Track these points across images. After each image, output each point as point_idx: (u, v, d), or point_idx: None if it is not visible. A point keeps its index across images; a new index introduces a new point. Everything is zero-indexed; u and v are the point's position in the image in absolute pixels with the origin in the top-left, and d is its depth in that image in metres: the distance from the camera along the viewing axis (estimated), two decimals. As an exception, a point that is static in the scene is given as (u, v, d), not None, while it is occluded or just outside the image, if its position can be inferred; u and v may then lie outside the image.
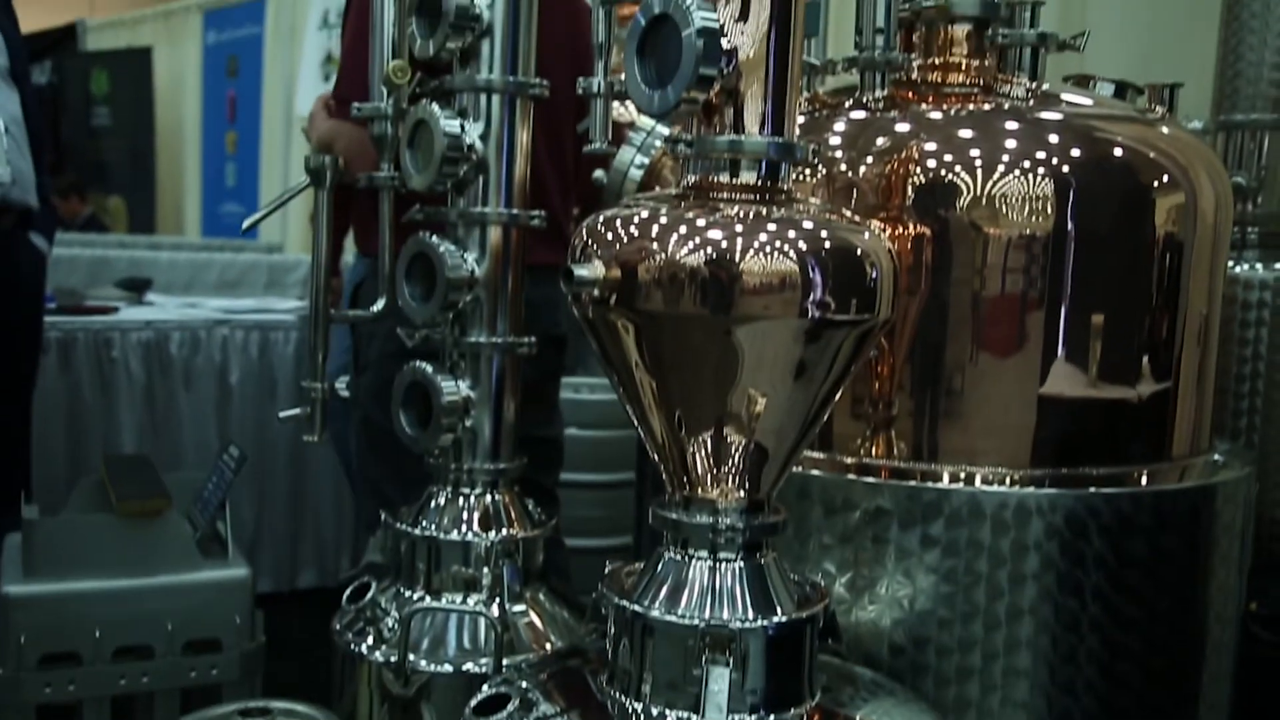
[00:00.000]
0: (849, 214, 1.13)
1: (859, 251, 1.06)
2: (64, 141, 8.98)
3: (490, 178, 1.51)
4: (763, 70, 1.06)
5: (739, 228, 1.02)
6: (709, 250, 1.02)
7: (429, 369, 1.53)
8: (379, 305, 1.67)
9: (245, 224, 1.69)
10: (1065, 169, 1.44)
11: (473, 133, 1.48)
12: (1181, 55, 3.30)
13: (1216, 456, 1.69)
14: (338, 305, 2.38)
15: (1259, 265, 2.42)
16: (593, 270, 1.05)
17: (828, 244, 1.04)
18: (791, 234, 1.03)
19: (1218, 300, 1.64)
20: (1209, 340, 1.63)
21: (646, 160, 1.56)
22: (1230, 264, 2.39)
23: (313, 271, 1.66)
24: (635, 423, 1.19)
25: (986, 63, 1.64)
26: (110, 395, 3.31)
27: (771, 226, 1.03)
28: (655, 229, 1.05)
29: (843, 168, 1.50)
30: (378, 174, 1.64)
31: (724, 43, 1.04)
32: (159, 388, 3.39)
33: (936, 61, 1.65)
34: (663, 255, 1.03)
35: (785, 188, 1.10)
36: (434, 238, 1.50)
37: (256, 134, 7.76)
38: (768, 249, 1.02)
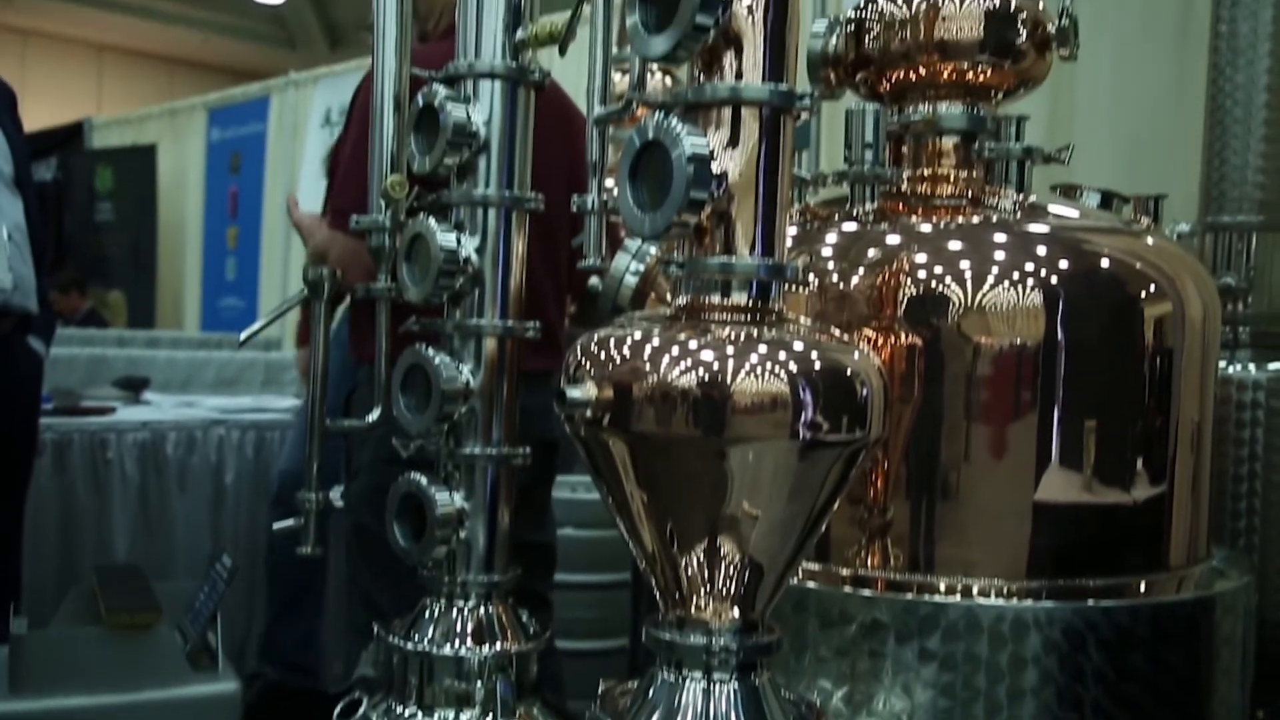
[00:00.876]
0: (838, 333, 1.15)
1: (849, 371, 1.07)
2: (67, 236, 9.07)
3: (486, 290, 1.52)
4: (753, 193, 1.08)
5: (730, 350, 1.03)
6: (701, 372, 1.02)
7: (423, 481, 1.53)
8: (374, 415, 1.67)
9: (243, 336, 1.70)
10: (1054, 280, 1.46)
11: (469, 246, 1.50)
12: (1168, 160, 3.37)
13: (1215, 564, 1.68)
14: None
15: (1252, 366, 2.43)
16: (585, 392, 1.06)
17: (818, 365, 1.05)
18: (782, 355, 1.04)
19: (1209, 406, 1.64)
20: (1202, 446, 1.63)
21: (641, 267, 1.58)
22: (1223, 364, 2.40)
23: (310, 383, 1.67)
24: (627, 537, 1.18)
25: (975, 174, 1.67)
26: (104, 497, 3.30)
27: (762, 348, 1.04)
28: (648, 350, 1.06)
29: (835, 279, 1.52)
30: (375, 285, 1.66)
31: (714, 167, 1.06)
32: (154, 489, 3.38)
33: (925, 173, 1.68)
34: (655, 377, 1.03)
35: (776, 307, 1.11)
36: (429, 349, 1.51)
37: (257, 229, 7.85)
38: (759, 371, 1.03)
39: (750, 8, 1.06)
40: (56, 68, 14.49)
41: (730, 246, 1.08)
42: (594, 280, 1.57)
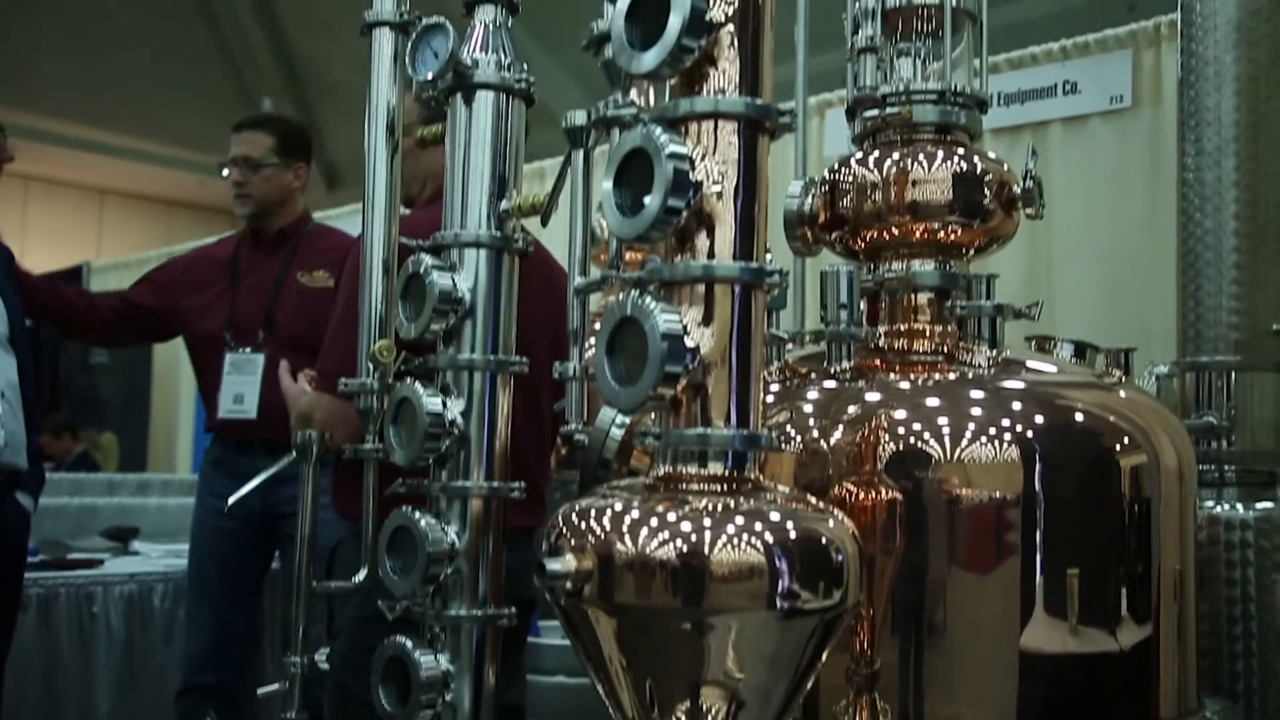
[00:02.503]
0: (814, 500, 1.16)
1: (824, 540, 1.08)
2: (61, 379, 9.12)
3: (472, 452, 1.54)
4: (726, 366, 1.11)
5: (707, 521, 1.05)
6: (679, 544, 1.04)
7: (408, 644, 1.53)
8: (360, 576, 1.68)
9: (230, 501, 1.72)
10: (1030, 435, 1.49)
11: (454, 409, 1.53)
12: (1147, 295, 3.45)
13: (1208, 715, 1.66)
14: None
15: (1240, 505, 2.44)
16: (565, 564, 1.07)
17: (794, 534, 1.07)
18: (758, 525, 1.06)
19: (1190, 554, 1.65)
20: (1186, 594, 1.63)
21: (626, 420, 1.61)
22: (1211, 504, 2.42)
23: (299, 546, 1.68)
24: (605, 699, 1.18)
25: (950, 329, 1.71)
26: (89, 651, 3.26)
27: (739, 519, 1.06)
28: (626, 522, 1.08)
29: (816, 435, 1.55)
30: (362, 446, 1.68)
31: (688, 341, 1.09)
32: (139, 641, 3.34)
33: (902, 328, 1.72)
34: (634, 549, 1.05)
35: (752, 476, 1.13)
36: (415, 512, 1.53)
37: (252, 369, 7.87)
38: (736, 542, 1.04)
39: (720, 191, 1.11)
40: (58, 211, 14.75)
41: (706, 418, 1.11)
42: (579, 435, 1.59)
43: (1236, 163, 2.55)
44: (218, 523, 3.35)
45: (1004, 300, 1.70)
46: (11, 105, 7.60)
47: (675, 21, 1.08)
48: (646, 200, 1.09)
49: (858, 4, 1.67)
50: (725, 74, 1.12)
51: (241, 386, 3.42)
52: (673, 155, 1.08)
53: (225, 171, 3.69)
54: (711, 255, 1.12)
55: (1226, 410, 2.56)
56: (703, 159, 1.11)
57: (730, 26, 1.12)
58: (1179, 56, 2.67)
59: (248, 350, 3.46)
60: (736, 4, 1.12)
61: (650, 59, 1.10)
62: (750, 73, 1.13)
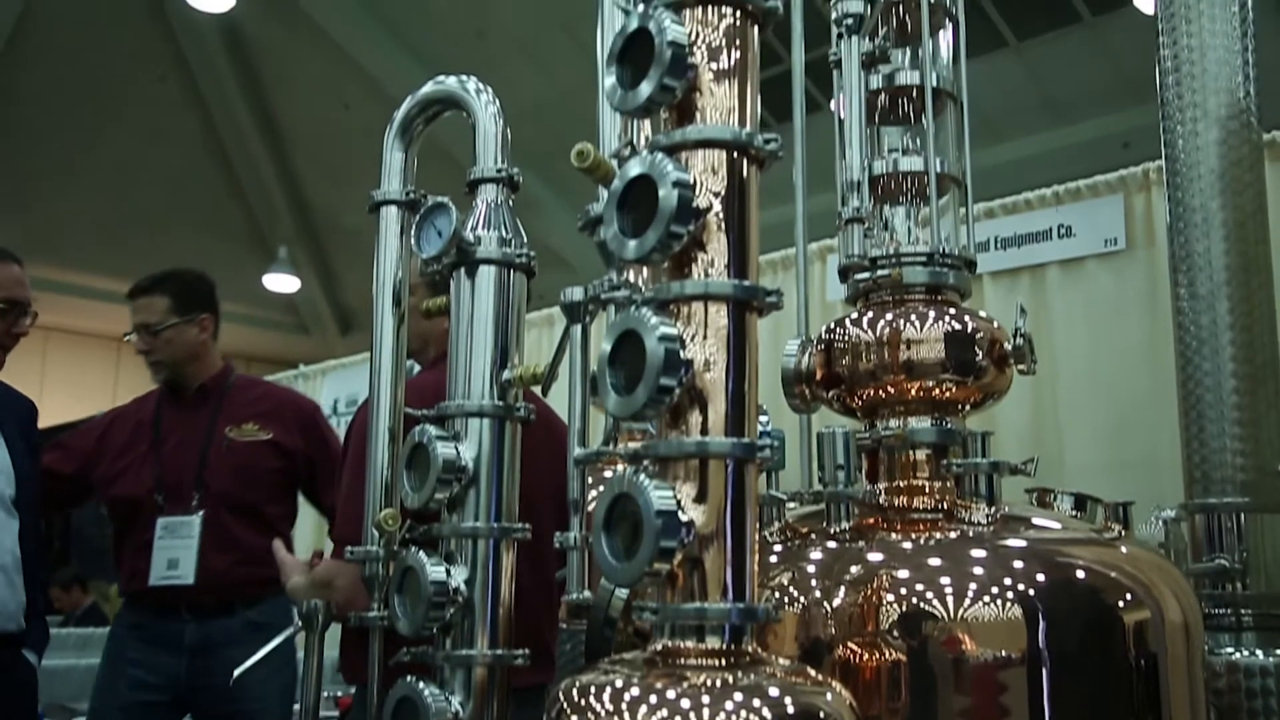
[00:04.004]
0: (813, 673, 1.17)
1: (822, 715, 1.08)
2: (73, 530, 9.12)
3: (476, 619, 1.55)
4: (721, 540, 1.13)
5: (705, 698, 1.05)
6: (678, 722, 1.04)
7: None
8: (366, 745, 1.66)
9: (235, 673, 1.72)
10: (1032, 594, 1.49)
11: (459, 577, 1.54)
12: (1152, 435, 3.46)
13: None
14: None
15: (1259, 651, 2.40)
16: (566, 745, 1.07)
17: (792, 710, 1.07)
18: (756, 702, 1.06)
19: (1201, 710, 1.63)
20: (1200, 752, 1.61)
21: (631, 581, 1.61)
22: (1229, 651, 2.38)
23: (302, 715, 1.68)
24: None
25: (948, 485, 1.73)
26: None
27: (738, 695, 1.06)
28: (626, 699, 1.08)
29: (818, 595, 1.55)
30: (367, 614, 1.69)
31: (682, 516, 1.11)
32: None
33: (901, 485, 1.74)
34: (633, 728, 1.05)
35: (750, 649, 1.13)
36: (420, 682, 1.52)
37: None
38: (734, 718, 1.04)
39: (711, 369, 1.15)
40: (75, 361, 14.98)
41: (702, 592, 1.12)
42: (585, 593, 1.60)
43: (1230, 305, 2.59)
44: (132, 695, 3.23)
45: (1013, 436, 1.73)
46: (33, 258, 7.77)
47: (664, 210, 1.13)
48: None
49: (845, 175, 1.73)
50: (714, 257, 1.17)
51: (176, 551, 3.29)
52: (664, 337, 1.11)
53: (128, 339, 3.59)
54: (705, 431, 1.14)
55: (1238, 553, 2.55)
56: (693, 339, 1.15)
57: (717, 211, 1.17)
58: (1167, 204, 2.74)
59: (181, 514, 3.33)
60: (723, 191, 1.17)
61: (641, 246, 1.15)
62: (738, 255, 1.18)
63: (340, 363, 7.23)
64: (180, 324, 3.52)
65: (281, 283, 14.36)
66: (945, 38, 1.91)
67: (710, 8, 1.20)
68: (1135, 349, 3.66)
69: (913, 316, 1.72)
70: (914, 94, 1.83)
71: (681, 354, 1.13)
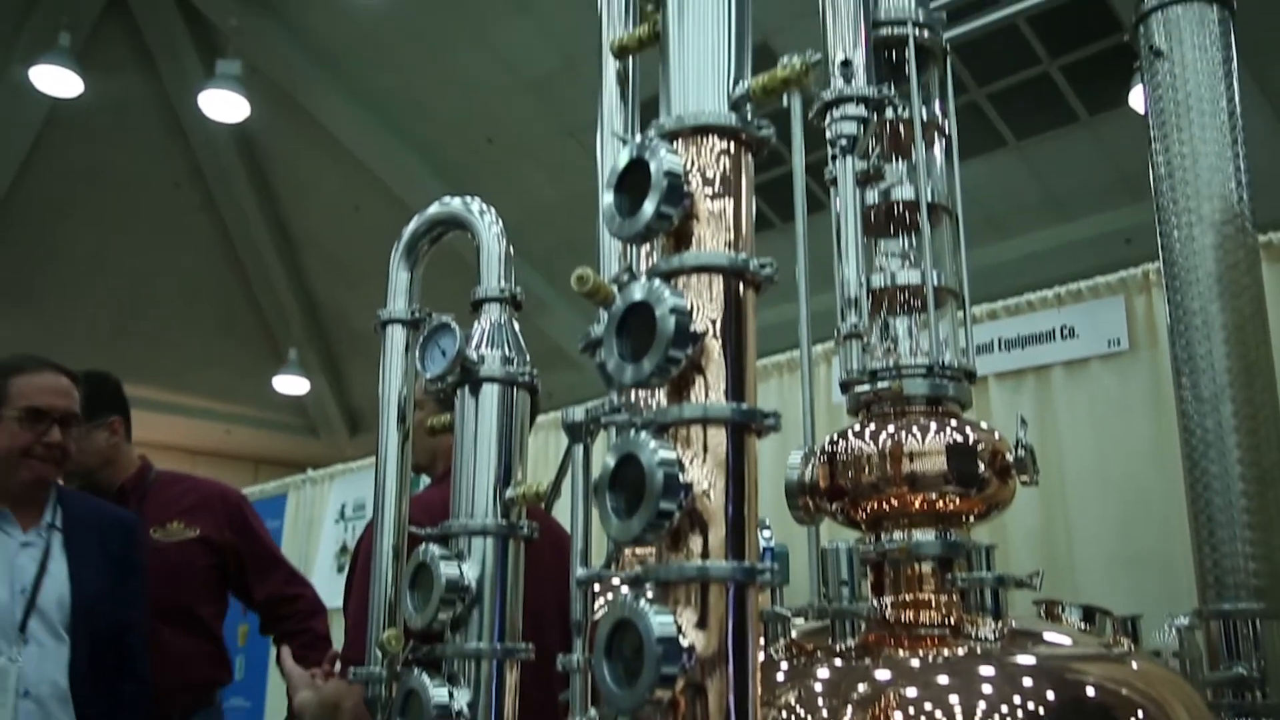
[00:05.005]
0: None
1: None
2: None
3: (479, 744, 1.53)
4: (723, 665, 1.12)
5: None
6: None
7: None
8: None
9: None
10: (1041, 712, 1.47)
11: (461, 699, 1.52)
12: (1163, 534, 3.44)
13: None
14: None
15: (1291, 767, 2.35)
16: None
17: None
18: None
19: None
20: None
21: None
22: (1257, 766, 2.33)
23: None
24: None
25: (954, 598, 1.71)
26: None
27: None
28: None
29: (825, 715, 1.53)
30: (370, 736, 1.67)
31: (683, 641, 1.10)
32: None
33: (907, 598, 1.72)
34: None
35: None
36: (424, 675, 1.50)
37: (270, 627, 7.80)
38: None
39: (709, 486, 1.15)
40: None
41: (705, 717, 1.11)
42: (591, 713, 1.58)
43: (1234, 409, 2.59)
44: None
45: (1022, 535, 1.72)
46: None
47: (661, 335, 1.15)
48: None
49: (842, 291, 1.75)
50: (712, 380, 1.18)
51: None
52: (663, 461, 1.12)
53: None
54: (705, 555, 1.14)
55: (1255, 660, 2.50)
56: (693, 462, 1.15)
57: (715, 335, 1.19)
58: (1167, 306, 2.76)
59: None
60: (720, 315, 1.19)
61: (639, 372, 1.16)
62: (736, 378, 1.19)
63: (347, 467, 7.23)
64: (87, 428, 3.37)
65: (291, 384, 14.45)
66: (939, 151, 1.95)
67: (705, 137, 1.23)
68: (1142, 448, 3.65)
69: (914, 429, 1.72)
70: (909, 208, 1.86)
71: (681, 478, 1.13)
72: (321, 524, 7.16)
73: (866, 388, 1.78)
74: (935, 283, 1.80)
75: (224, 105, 10.39)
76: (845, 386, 1.82)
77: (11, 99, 10.74)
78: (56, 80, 10.01)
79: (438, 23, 10.08)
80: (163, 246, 12.80)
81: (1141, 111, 2.85)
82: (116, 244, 12.41)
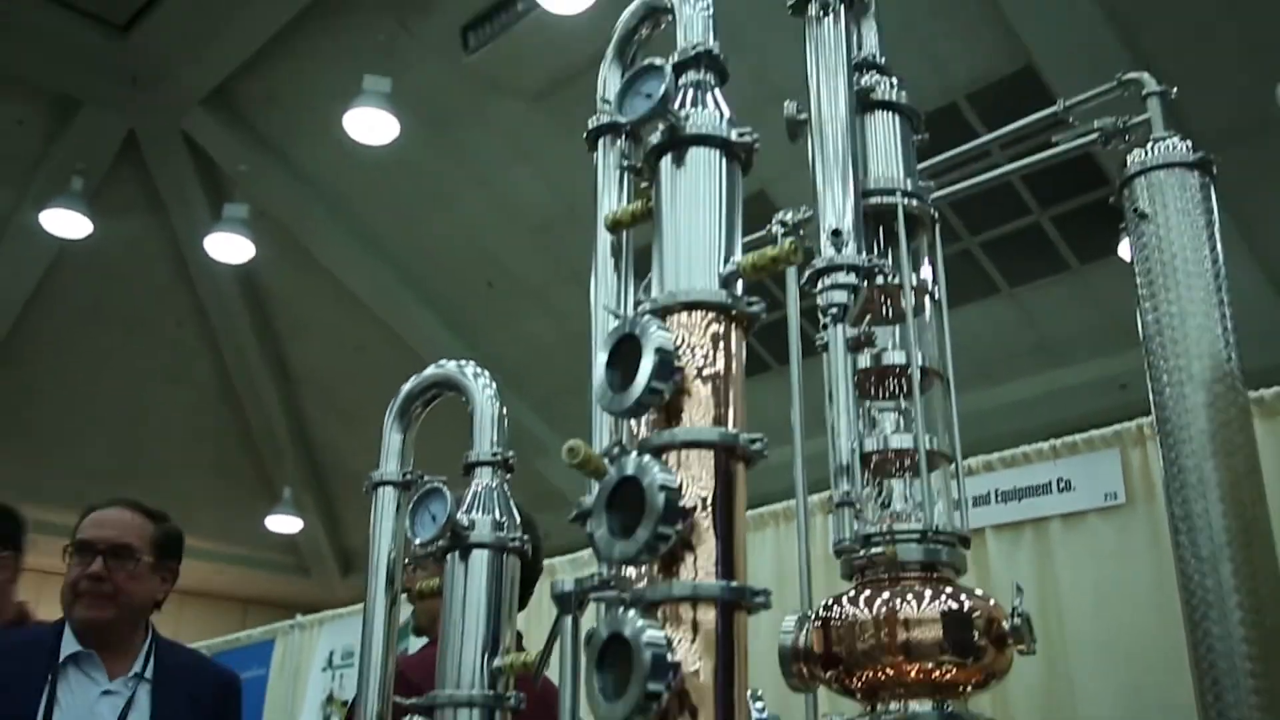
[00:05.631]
0: None
1: None
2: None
3: None
4: None
5: None
6: None
7: None
8: None
9: None
10: None
11: None
12: (1166, 689, 3.36)
13: None
14: None
15: None
16: None
17: None
18: None
19: None
20: None
21: None
22: None
23: None
24: None
25: (955, 773, 1.67)
26: None
27: None
28: None
29: None
30: None
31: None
32: None
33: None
34: None
35: None
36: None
37: (251, 768, 7.59)
38: None
39: (698, 665, 1.13)
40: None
41: None
42: None
43: (1234, 568, 2.56)
44: None
45: (1023, 689, 1.67)
46: (48, 500, 7.82)
47: (651, 512, 1.15)
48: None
49: (835, 458, 1.76)
50: (702, 557, 1.17)
51: None
52: (650, 642, 1.11)
53: None
54: (694, 736, 1.12)
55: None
56: (681, 641, 1.14)
57: (704, 512, 1.19)
58: (1162, 463, 2.76)
59: None
60: (710, 491, 1.19)
61: (628, 548, 1.16)
62: (725, 555, 1.18)
63: (336, 613, 7.11)
64: None
65: (284, 524, 14.32)
66: (929, 314, 1.98)
67: (696, 313, 1.26)
68: (1143, 601, 3.60)
69: (909, 596, 1.70)
70: (901, 372, 1.88)
71: (669, 658, 1.12)
72: (308, 671, 7.00)
73: (861, 553, 1.76)
74: (928, 447, 1.80)
75: (230, 247, 10.59)
76: (839, 552, 1.80)
77: (22, 240, 10.95)
78: (66, 222, 10.22)
79: (442, 169, 10.35)
80: (162, 385, 12.87)
81: (1129, 262, 2.91)
82: (116, 383, 12.47)
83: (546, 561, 5.20)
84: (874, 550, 1.76)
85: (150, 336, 12.57)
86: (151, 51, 9.91)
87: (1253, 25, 7.06)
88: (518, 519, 1.63)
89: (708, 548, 1.18)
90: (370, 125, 9.08)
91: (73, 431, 12.53)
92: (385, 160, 9.94)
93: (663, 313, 1.26)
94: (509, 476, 1.68)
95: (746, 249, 1.32)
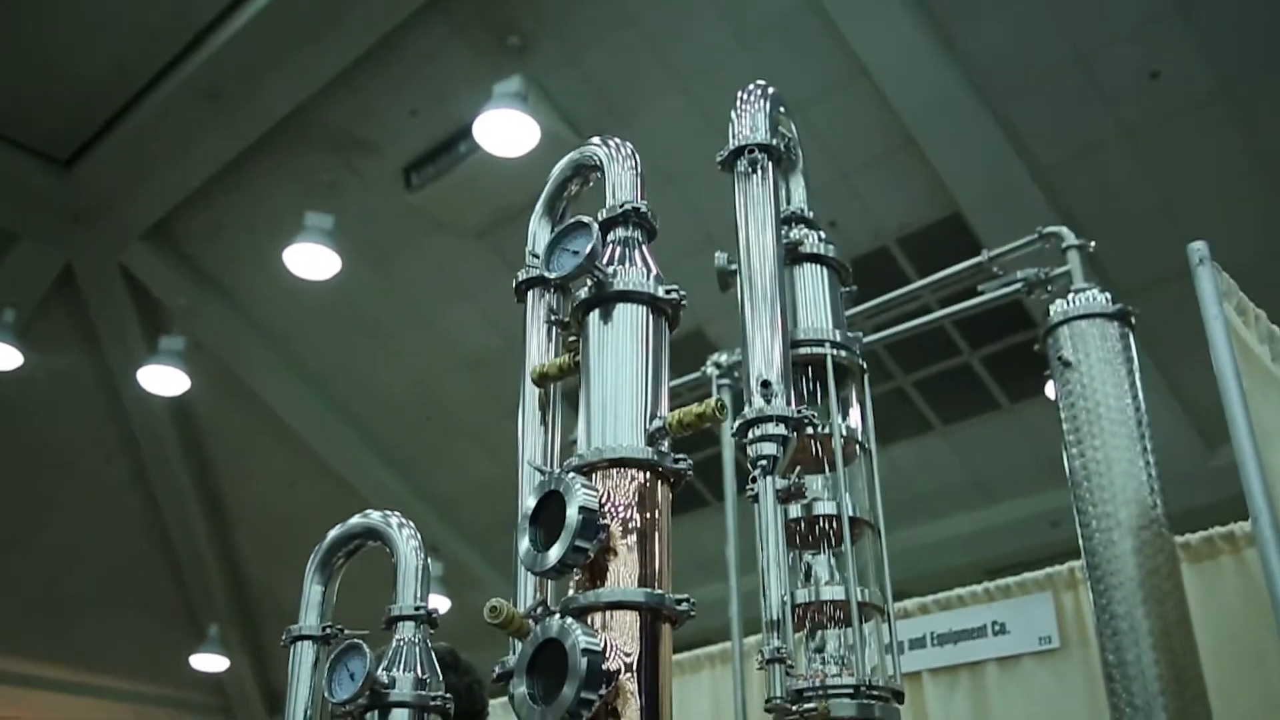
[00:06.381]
0: None
1: None
2: None
3: None
4: None
5: None
6: None
7: None
8: None
9: None
10: None
11: None
12: None
13: None
14: None
15: None
16: None
17: None
18: None
19: None
20: None
21: None
22: None
23: None
24: None
25: None
26: None
27: None
28: None
29: None
30: None
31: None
32: None
33: None
34: None
35: None
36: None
37: None
38: None
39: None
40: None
41: None
42: None
43: (1168, 717, 2.56)
44: None
45: None
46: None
47: (573, 675, 1.12)
48: None
49: (765, 613, 1.74)
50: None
51: None
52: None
53: None
54: None
55: None
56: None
57: (629, 673, 1.16)
58: (1094, 610, 2.77)
59: None
60: (635, 652, 1.17)
61: (550, 714, 1.12)
62: (651, 718, 1.16)
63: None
64: None
65: (209, 662, 13.78)
66: (860, 463, 1.99)
67: (622, 470, 1.25)
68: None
69: (843, 758, 1.66)
70: (832, 522, 1.87)
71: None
72: None
73: (794, 709, 1.73)
74: (860, 599, 1.79)
75: (164, 380, 10.44)
76: (771, 709, 1.77)
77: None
78: (-4, 354, 10.02)
79: (381, 306, 10.37)
80: (88, 524, 12.49)
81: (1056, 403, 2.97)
82: (39, 521, 12.09)
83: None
84: (807, 706, 1.72)
85: (78, 473, 12.25)
86: (93, 187, 9.91)
87: (1168, 181, 7.41)
88: (439, 675, 1.58)
89: (632, 712, 1.15)
90: (311, 261, 9.11)
91: (-4, 573, 12.09)
92: (326, 296, 9.94)
93: (589, 470, 1.26)
94: (433, 631, 1.64)
95: (680, 391, 1.33)
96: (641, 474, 1.25)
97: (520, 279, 1.69)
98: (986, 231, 7.49)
